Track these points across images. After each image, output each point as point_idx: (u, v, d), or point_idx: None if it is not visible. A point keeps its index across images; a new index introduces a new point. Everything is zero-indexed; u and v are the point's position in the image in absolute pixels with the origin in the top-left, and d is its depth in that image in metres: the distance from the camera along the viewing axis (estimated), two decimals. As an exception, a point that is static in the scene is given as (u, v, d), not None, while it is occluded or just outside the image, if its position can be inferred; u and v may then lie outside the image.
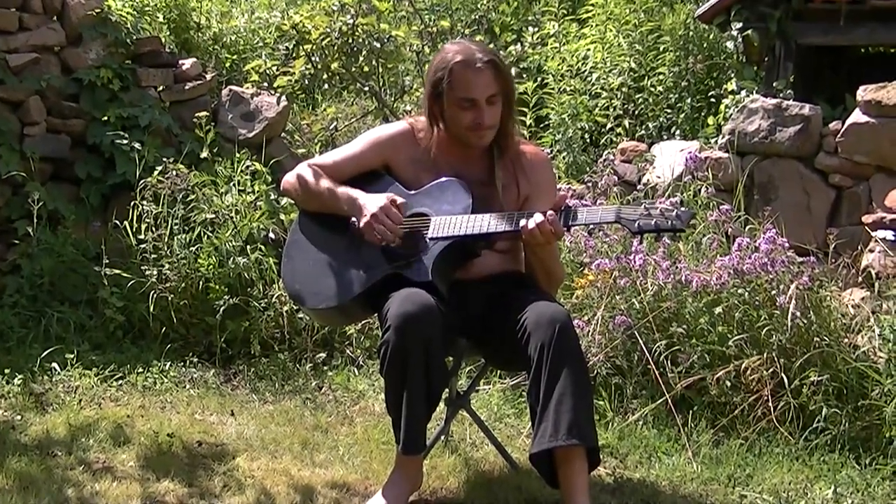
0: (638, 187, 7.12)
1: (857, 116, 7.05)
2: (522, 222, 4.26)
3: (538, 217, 4.22)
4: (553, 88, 9.16)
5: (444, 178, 4.56)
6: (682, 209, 4.18)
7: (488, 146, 4.62)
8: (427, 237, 4.42)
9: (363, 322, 6.31)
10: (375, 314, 4.56)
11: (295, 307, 6.34)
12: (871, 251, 6.44)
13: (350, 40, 7.83)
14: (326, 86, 8.63)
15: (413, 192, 4.58)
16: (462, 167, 4.60)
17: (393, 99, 8.75)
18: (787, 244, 5.55)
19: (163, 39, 8.50)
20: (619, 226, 4.60)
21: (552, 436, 4.13)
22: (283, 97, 8.02)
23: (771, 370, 5.29)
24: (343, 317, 5.01)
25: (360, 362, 6.34)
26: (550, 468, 4.27)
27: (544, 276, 4.61)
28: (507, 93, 4.55)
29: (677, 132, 8.71)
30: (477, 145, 4.58)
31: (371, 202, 4.46)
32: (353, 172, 4.70)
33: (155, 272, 6.48)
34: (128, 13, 8.03)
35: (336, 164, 4.75)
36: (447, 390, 4.91)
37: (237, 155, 7.25)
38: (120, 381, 6.02)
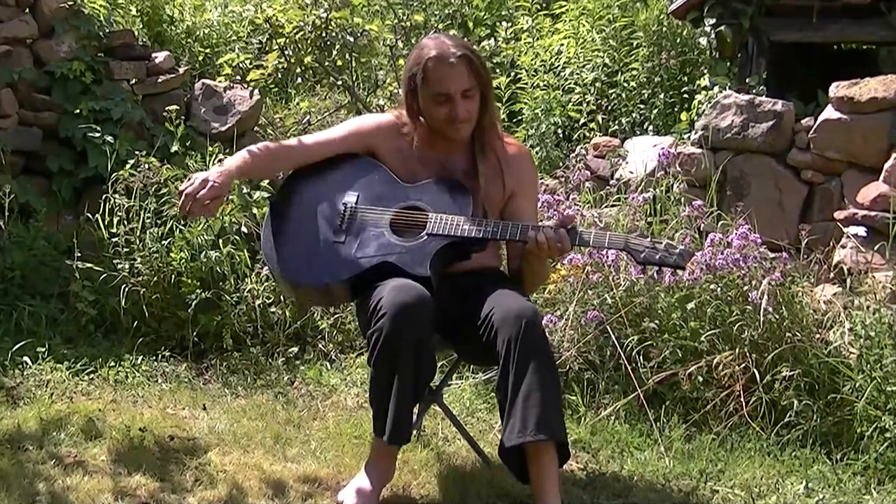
0: (610, 182, 7.14)
1: (830, 113, 7.07)
2: (531, 233, 4.29)
3: (548, 231, 4.27)
4: (526, 83, 9.18)
5: (443, 177, 4.60)
6: (684, 247, 4.29)
7: (470, 139, 4.66)
8: (425, 232, 4.43)
9: (336, 316, 6.31)
10: (354, 301, 4.60)
11: (268, 301, 6.34)
12: (843, 247, 6.46)
13: (323, 34, 7.83)
14: (299, 80, 8.63)
15: (409, 185, 4.61)
16: (446, 160, 4.65)
17: (366, 93, 8.75)
18: (759, 240, 5.57)
19: (136, 32, 8.47)
20: (624, 253, 4.62)
21: (521, 431, 4.14)
22: (256, 91, 8.01)
23: (743, 365, 5.31)
24: (326, 297, 4.96)
25: (333, 357, 6.33)
26: (520, 463, 4.29)
27: (531, 275, 4.64)
28: (483, 86, 4.58)
29: (650, 127, 8.73)
30: (455, 138, 4.61)
31: (201, 174, 4.51)
32: (327, 156, 4.74)
33: (127, 266, 6.45)
34: (100, 6, 7.99)
35: (306, 146, 4.79)
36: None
37: (209, 148, 7.23)
38: (91, 375, 6.00)
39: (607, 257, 5.67)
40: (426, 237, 4.42)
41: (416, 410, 4.98)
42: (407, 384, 4.25)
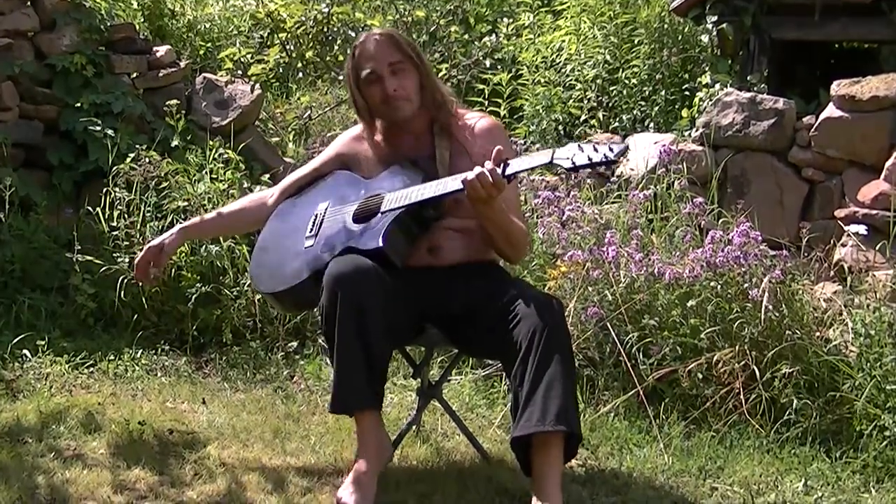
0: (611, 179, 7.13)
1: (831, 111, 7.08)
2: (462, 177, 4.27)
3: (477, 169, 4.23)
4: (527, 80, 9.18)
5: (397, 163, 4.63)
6: (615, 143, 4.20)
7: (429, 126, 4.70)
8: (380, 211, 4.46)
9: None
10: None
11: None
12: (844, 245, 6.47)
13: (325, 29, 7.84)
14: (300, 74, 8.62)
15: (370, 178, 4.68)
16: (412, 150, 4.68)
17: (367, 89, 8.73)
18: (759, 237, 5.56)
19: (137, 26, 8.48)
20: (554, 166, 4.52)
21: (539, 420, 4.09)
22: (257, 85, 8.02)
23: (742, 363, 5.30)
24: (305, 300, 4.95)
25: (332, 352, 6.32)
26: (528, 455, 4.25)
27: (503, 238, 4.55)
28: (413, 60, 4.65)
29: (651, 125, 8.73)
30: (397, 118, 4.64)
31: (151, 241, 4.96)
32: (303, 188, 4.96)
33: (127, 259, 6.45)
34: (102, -1, 8.01)
35: (286, 188, 5.01)
36: (419, 381, 4.93)
37: (210, 142, 7.24)
38: (91, 369, 6.00)
39: (607, 254, 5.67)
40: (380, 215, 4.45)
41: (415, 406, 5.01)
42: (351, 353, 4.22)
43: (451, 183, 4.34)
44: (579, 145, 4.17)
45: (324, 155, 5.00)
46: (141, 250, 5.61)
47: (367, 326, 4.20)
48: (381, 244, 4.33)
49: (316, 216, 4.66)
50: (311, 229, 4.62)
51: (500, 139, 4.73)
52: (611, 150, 4.10)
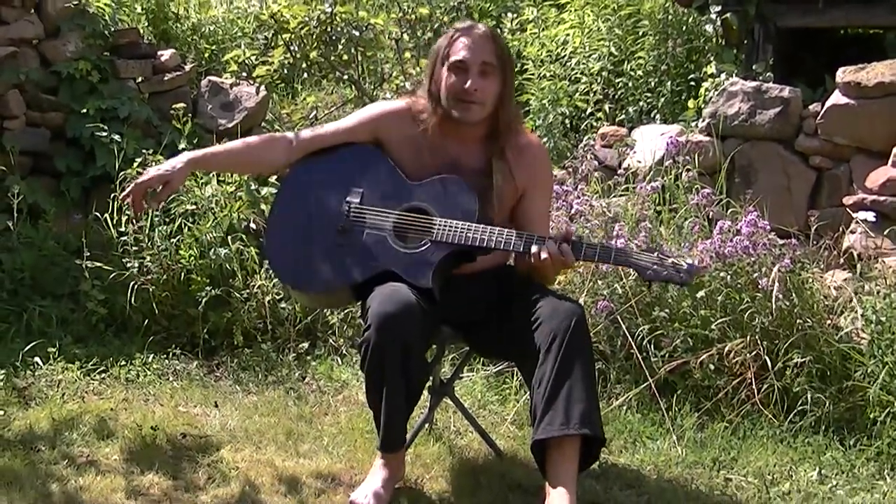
0: (619, 172, 7.12)
1: (837, 98, 7.06)
2: (534, 249, 4.25)
3: (551, 246, 4.21)
4: (533, 74, 9.17)
5: (449, 176, 4.49)
6: (692, 263, 4.24)
7: (486, 138, 4.58)
8: (430, 240, 4.37)
9: (346, 311, 6.30)
10: (359, 302, 4.51)
11: (277, 297, 6.34)
12: (853, 232, 6.46)
13: (328, 29, 7.81)
14: (305, 75, 8.60)
15: (416, 183, 4.52)
16: (458, 154, 4.56)
17: (372, 87, 8.73)
18: (768, 227, 5.55)
19: (141, 31, 8.50)
20: (629, 268, 4.54)
21: (563, 424, 4.09)
22: (263, 87, 8.01)
23: (754, 353, 5.30)
24: (327, 301, 5.01)
25: (343, 352, 6.31)
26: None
27: (541, 277, 4.48)
28: (504, 71, 4.52)
29: (657, 116, 8.71)
30: (462, 118, 4.49)
31: (156, 167, 4.65)
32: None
33: (136, 264, 6.45)
34: (106, 4, 7.99)
35: (310, 139, 4.74)
36: (431, 378, 4.92)
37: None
38: (103, 375, 5.99)
39: (617, 247, 5.65)
40: (430, 245, 4.37)
41: (427, 404, 5.02)
42: (397, 393, 4.24)
43: (515, 242, 4.31)
44: (659, 256, 4.23)
45: (354, 119, 4.77)
46: (149, 254, 5.63)
47: (411, 362, 4.21)
48: (430, 285, 4.31)
49: (349, 206, 4.51)
50: (344, 224, 4.48)
51: (543, 166, 4.73)
52: (688, 272, 4.20)
